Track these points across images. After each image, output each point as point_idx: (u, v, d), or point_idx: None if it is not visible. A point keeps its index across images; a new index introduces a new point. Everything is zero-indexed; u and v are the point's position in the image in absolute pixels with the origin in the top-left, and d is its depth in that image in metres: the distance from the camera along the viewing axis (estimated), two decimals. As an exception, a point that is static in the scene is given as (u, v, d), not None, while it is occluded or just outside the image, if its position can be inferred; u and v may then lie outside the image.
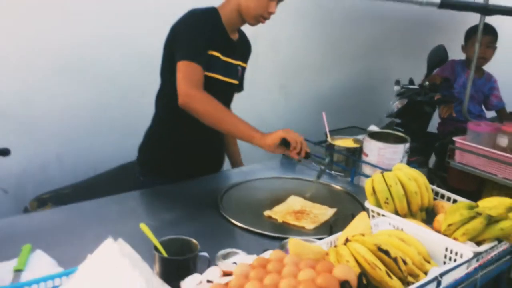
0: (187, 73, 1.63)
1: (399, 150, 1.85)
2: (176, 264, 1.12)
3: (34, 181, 2.37)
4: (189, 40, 1.69)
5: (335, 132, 2.16)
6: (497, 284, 1.48)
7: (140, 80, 2.43)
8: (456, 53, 3.11)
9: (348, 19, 3.26)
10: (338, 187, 1.85)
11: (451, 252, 1.26)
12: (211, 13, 1.79)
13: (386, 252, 1.10)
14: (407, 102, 2.82)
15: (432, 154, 3.02)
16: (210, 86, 1.72)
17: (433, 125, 3.19)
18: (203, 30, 1.70)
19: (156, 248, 1.14)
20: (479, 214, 1.28)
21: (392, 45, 3.57)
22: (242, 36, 1.98)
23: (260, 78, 3.13)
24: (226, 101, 1.91)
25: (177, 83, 1.64)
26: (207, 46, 1.72)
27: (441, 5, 1.18)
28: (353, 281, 0.94)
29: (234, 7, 1.77)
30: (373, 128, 2.35)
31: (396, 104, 2.85)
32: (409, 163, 2.64)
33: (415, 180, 1.48)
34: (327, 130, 2.04)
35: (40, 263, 1.18)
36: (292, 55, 3.20)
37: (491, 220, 1.26)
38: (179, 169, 1.86)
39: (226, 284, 0.96)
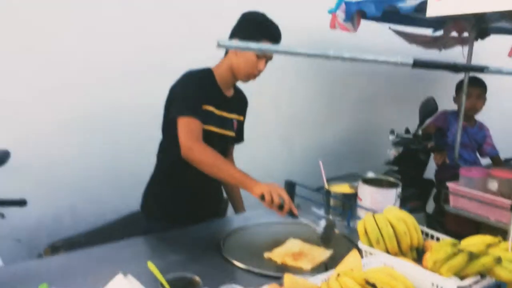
0: (188, 128, 1.81)
1: (391, 194, 1.97)
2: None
3: (47, 231, 2.49)
4: (186, 97, 1.88)
5: (335, 179, 2.28)
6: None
7: (148, 134, 2.60)
8: (445, 103, 3.29)
9: (344, 74, 3.47)
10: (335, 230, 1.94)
11: (437, 286, 1.34)
12: (206, 73, 1.99)
13: (373, 285, 1.19)
14: (403, 150, 2.96)
15: (428, 199, 3.11)
16: (207, 138, 1.88)
17: (432, 172, 3.31)
18: (198, 88, 1.90)
19: (162, 285, 1.24)
20: (461, 251, 1.37)
21: (387, 98, 3.77)
22: (238, 92, 2.16)
23: (263, 131, 3.31)
24: (223, 151, 2.06)
25: (179, 137, 1.80)
26: (202, 101, 1.90)
27: (414, 65, 1.33)
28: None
29: (227, 67, 1.98)
30: (370, 174, 2.47)
31: (392, 152, 2.98)
32: (406, 208, 2.75)
33: (404, 222, 1.59)
34: (324, 177, 2.17)
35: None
36: (293, 109, 3.39)
37: (473, 256, 1.35)
38: (180, 215, 1.98)
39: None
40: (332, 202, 2.13)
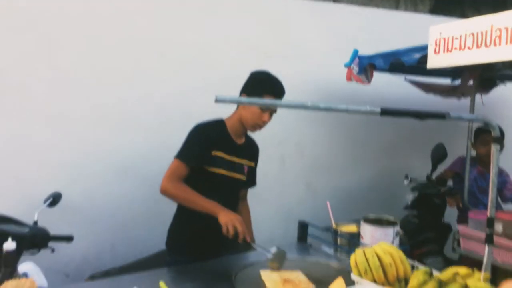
0: (172, 169, 2.15)
1: (389, 232, 2.12)
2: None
3: (91, 267, 2.81)
4: (186, 144, 2.20)
5: (350, 221, 2.46)
6: None
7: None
8: (455, 148, 3.45)
9: (365, 123, 3.69)
10: (337, 265, 2.11)
11: (412, 311, 1.50)
12: (217, 123, 2.29)
13: (345, 303, 1.38)
14: (418, 195, 3.09)
15: (446, 243, 3.17)
16: (217, 180, 2.21)
17: (454, 217, 3.39)
18: (204, 138, 2.19)
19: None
20: (432, 279, 1.54)
21: (407, 146, 3.94)
22: (249, 140, 2.43)
23: (287, 177, 3.56)
24: (234, 193, 2.35)
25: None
26: (209, 149, 2.19)
27: (382, 113, 1.55)
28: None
29: (237, 118, 2.28)
30: (372, 215, 2.59)
31: (409, 197, 3.12)
32: (423, 252, 2.85)
33: (391, 254, 1.75)
34: (332, 217, 2.36)
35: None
36: (315, 156, 3.63)
37: (442, 284, 1.51)
38: (199, 249, 2.20)
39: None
40: (339, 240, 2.31)
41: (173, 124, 2.98)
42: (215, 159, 2.21)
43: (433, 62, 2.59)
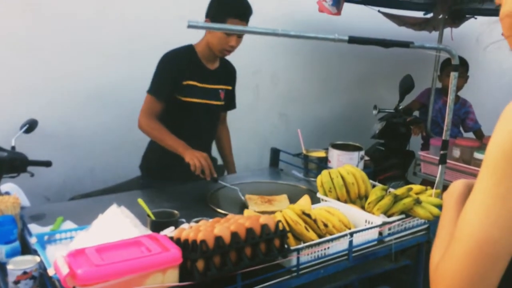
0: (146, 105, 2.20)
1: (354, 156, 2.27)
2: (161, 224, 1.58)
3: (71, 191, 2.91)
4: (155, 77, 2.20)
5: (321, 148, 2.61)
6: (418, 254, 1.85)
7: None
8: (424, 80, 3.58)
9: (339, 55, 3.75)
10: (307, 187, 2.27)
11: (369, 223, 1.67)
12: (186, 50, 2.23)
13: (308, 215, 1.53)
14: (385, 124, 3.24)
15: (408, 168, 3.39)
16: (192, 109, 2.21)
17: (418, 145, 3.59)
18: (171, 68, 2.17)
19: (148, 216, 1.61)
20: (388, 194, 1.69)
21: (378, 77, 4.04)
22: (223, 63, 2.38)
23: (261, 107, 3.65)
24: (212, 119, 2.37)
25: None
26: (180, 79, 2.18)
27: (349, 41, 1.61)
28: (272, 225, 1.37)
29: (205, 43, 2.23)
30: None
31: (377, 127, 3.27)
32: (387, 177, 3.05)
33: (353, 174, 1.90)
34: (302, 144, 2.49)
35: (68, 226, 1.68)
36: (289, 87, 3.70)
37: (397, 198, 1.67)
38: (169, 174, 2.25)
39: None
40: (308, 165, 2.46)
41: (147, 53, 2.97)
42: (188, 88, 2.20)
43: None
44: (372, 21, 3.61)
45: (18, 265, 1.27)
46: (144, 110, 2.19)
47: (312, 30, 1.57)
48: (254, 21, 3.06)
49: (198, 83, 2.24)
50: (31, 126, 2.55)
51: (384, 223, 1.64)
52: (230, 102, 2.50)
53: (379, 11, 3.53)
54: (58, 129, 2.83)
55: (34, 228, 1.59)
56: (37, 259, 1.31)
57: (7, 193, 1.79)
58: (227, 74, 2.43)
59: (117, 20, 2.94)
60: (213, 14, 2.15)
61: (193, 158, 2.04)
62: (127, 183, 2.67)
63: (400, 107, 3.25)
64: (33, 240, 1.40)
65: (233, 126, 3.49)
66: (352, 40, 1.62)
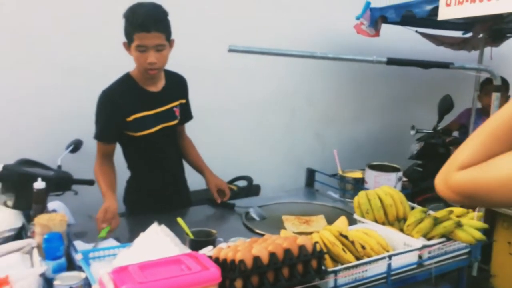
0: (97, 150, 2.08)
1: (392, 177, 2.25)
2: (200, 243, 1.61)
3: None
4: (98, 122, 2.04)
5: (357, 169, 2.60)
6: (459, 278, 1.80)
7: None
8: (463, 100, 3.50)
9: (374, 76, 3.74)
10: (342, 208, 2.25)
11: (407, 245, 1.64)
12: (123, 80, 2.04)
13: (345, 237, 1.52)
14: (424, 145, 3.19)
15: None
16: (149, 139, 2.06)
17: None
18: (114, 108, 1.99)
19: (187, 234, 1.65)
20: (428, 216, 1.67)
21: (413, 97, 4.00)
22: (170, 79, 2.14)
23: (297, 128, 3.67)
24: (173, 139, 2.21)
25: None
26: (123, 118, 2.00)
27: (388, 63, 1.62)
28: (309, 246, 1.38)
29: (136, 67, 2.02)
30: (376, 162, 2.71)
31: (415, 147, 3.22)
32: (426, 199, 2.99)
33: (391, 196, 1.88)
34: (338, 164, 2.49)
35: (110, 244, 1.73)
36: (325, 108, 3.72)
37: (437, 221, 1.64)
38: (154, 206, 2.10)
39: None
40: (344, 185, 2.45)
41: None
42: (136, 122, 2.02)
43: (444, 13, 2.63)
44: (409, 41, 3.60)
45: (65, 281, 1.33)
46: (96, 155, 2.08)
47: (348, 52, 1.60)
48: (290, 44, 3.13)
49: (148, 112, 2.06)
50: (76, 146, 2.69)
51: (424, 246, 1.61)
52: (186, 114, 2.29)
53: (416, 31, 3.52)
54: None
55: (78, 244, 1.66)
56: (82, 275, 1.36)
57: (54, 210, 1.87)
58: (177, 88, 2.20)
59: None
60: (125, 33, 1.94)
61: (100, 212, 1.85)
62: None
63: (439, 128, 3.20)
64: (78, 257, 1.45)
65: (269, 147, 3.55)
66: (391, 61, 1.63)
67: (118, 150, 2.19)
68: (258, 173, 2.98)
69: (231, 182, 2.84)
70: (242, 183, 2.85)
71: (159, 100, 2.10)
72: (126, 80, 2.06)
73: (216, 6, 3.16)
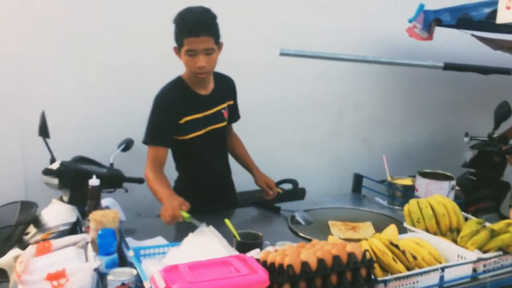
0: (149, 157, 2.03)
1: (445, 186, 2.17)
2: (247, 245, 1.61)
3: (159, 207, 3.05)
4: (153, 125, 2.04)
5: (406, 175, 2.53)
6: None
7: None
8: None
9: (424, 79, 3.62)
10: (391, 215, 2.20)
11: (461, 257, 1.58)
12: (177, 84, 2.08)
13: (396, 246, 1.48)
14: (478, 153, 3.06)
15: (503, 201, 3.15)
16: (198, 141, 2.09)
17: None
18: (169, 110, 2.01)
19: (234, 236, 1.66)
20: (484, 228, 1.60)
21: (467, 102, 3.84)
22: (218, 81, 2.18)
23: (344, 132, 3.62)
24: (219, 142, 2.24)
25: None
26: (176, 121, 2.03)
27: (445, 68, 1.57)
28: (359, 254, 1.35)
29: (187, 71, 2.06)
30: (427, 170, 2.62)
31: (468, 155, 3.10)
32: (479, 209, 2.87)
33: (444, 205, 1.81)
34: (387, 171, 2.43)
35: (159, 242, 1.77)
36: (373, 112, 3.64)
37: (494, 233, 1.57)
38: (201, 206, 1.98)
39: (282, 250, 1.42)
40: (393, 192, 2.39)
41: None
42: (187, 125, 2.07)
43: (503, 16, 2.50)
44: (461, 43, 3.45)
45: (117, 276, 1.37)
46: (148, 163, 2.04)
47: (398, 55, 1.56)
48: (338, 47, 3.09)
49: (198, 114, 2.10)
50: (128, 145, 2.77)
51: (479, 259, 1.54)
52: (234, 115, 2.33)
53: (472, 34, 3.39)
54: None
55: (130, 241, 1.70)
56: (134, 272, 1.40)
57: (107, 207, 1.93)
58: (226, 89, 2.25)
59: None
60: (175, 39, 1.99)
61: (163, 212, 1.85)
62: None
63: (495, 135, 3.06)
64: (130, 254, 1.50)
65: (315, 149, 3.52)
66: (448, 67, 1.59)
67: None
68: (303, 176, 2.96)
69: (277, 185, 2.84)
70: (287, 186, 2.84)
71: (209, 103, 2.14)
72: (178, 83, 2.10)
73: (265, 8, 3.16)
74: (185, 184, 2.26)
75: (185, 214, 1.77)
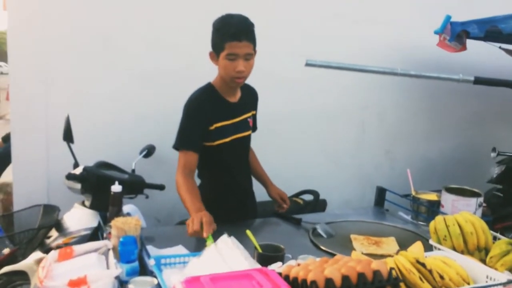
0: (181, 163, 2.03)
1: (472, 203, 2.11)
2: (268, 258, 1.59)
3: (179, 214, 3.06)
4: (185, 129, 2.06)
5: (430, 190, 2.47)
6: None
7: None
8: None
9: (449, 91, 3.56)
10: (415, 231, 2.15)
11: (490, 278, 1.52)
12: (208, 90, 2.10)
13: (423, 264, 1.44)
14: (505, 169, 2.98)
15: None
16: (226, 148, 2.11)
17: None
18: (200, 116, 2.03)
19: (255, 248, 1.63)
20: (515, 249, 1.54)
21: (493, 116, 3.75)
22: (245, 91, 2.22)
23: (366, 143, 3.57)
24: (244, 150, 2.27)
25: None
26: (206, 126, 2.05)
27: (475, 82, 1.53)
28: (385, 271, 1.31)
29: (220, 77, 2.09)
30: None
31: (495, 171, 3.02)
32: (506, 227, 2.79)
33: (472, 223, 1.76)
34: (412, 185, 2.38)
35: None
36: (396, 124, 3.59)
37: (526, 254, 1.51)
38: (221, 215, 1.97)
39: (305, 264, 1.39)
40: (417, 207, 2.33)
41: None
42: (216, 131, 2.09)
43: (534, 29, 2.45)
44: (490, 58, 3.39)
45: (138, 285, 1.36)
46: (178, 169, 2.04)
47: (421, 66, 1.53)
48: (363, 58, 3.05)
49: (227, 121, 2.13)
50: (149, 151, 2.78)
51: (510, 282, 1.48)
52: (254, 125, 2.35)
53: (500, 47, 3.31)
54: (173, 155, 3.00)
55: (151, 249, 1.69)
56: (155, 281, 1.38)
57: (128, 213, 1.94)
58: (251, 99, 2.30)
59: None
60: (214, 43, 2.03)
61: (190, 222, 1.82)
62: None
63: (524, 151, 2.98)
64: (151, 262, 1.48)
65: (336, 160, 3.48)
66: (479, 81, 1.54)
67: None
68: (324, 187, 2.92)
69: (297, 195, 2.82)
70: (307, 197, 2.80)
71: (237, 111, 2.18)
72: (209, 90, 2.12)
73: (291, 19, 3.16)
74: (206, 191, 2.24)
75: (210, 239, 1.70)
